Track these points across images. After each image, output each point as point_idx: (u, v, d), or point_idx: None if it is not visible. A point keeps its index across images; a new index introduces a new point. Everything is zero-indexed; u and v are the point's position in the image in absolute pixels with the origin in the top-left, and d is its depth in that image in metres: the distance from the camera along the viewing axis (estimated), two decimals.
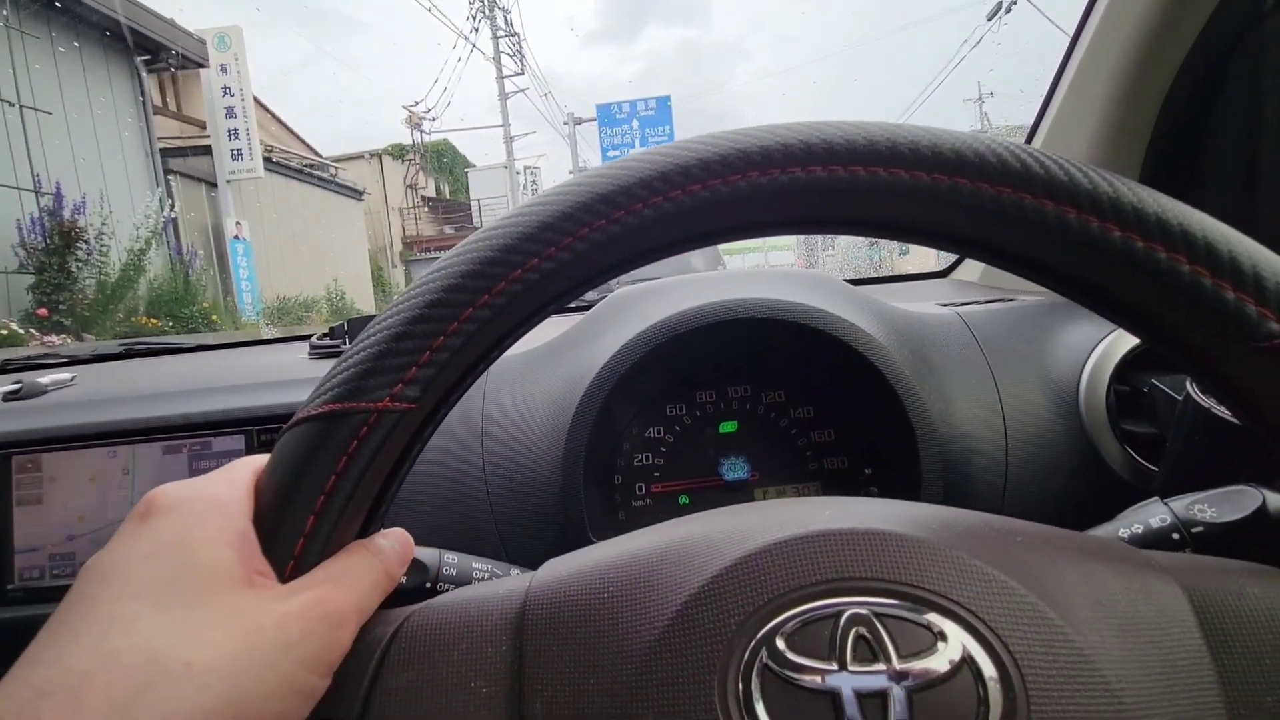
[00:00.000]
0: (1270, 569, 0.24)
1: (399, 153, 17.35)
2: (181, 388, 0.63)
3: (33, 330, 4.82)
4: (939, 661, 0.20)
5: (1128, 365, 0.54)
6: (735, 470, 0.60)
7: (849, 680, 0.20)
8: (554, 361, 0.60)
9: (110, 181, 6.20)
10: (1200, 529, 0.31)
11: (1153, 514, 0.33)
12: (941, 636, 0.21)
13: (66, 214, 5.29)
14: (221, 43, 7.92)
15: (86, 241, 5.33)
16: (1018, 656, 0.20)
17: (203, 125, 8.30)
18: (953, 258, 1.01)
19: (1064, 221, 0.22)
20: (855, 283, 0.73)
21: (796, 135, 0.24)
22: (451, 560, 0.36)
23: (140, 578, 0.21)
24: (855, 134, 0.23)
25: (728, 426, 0.61)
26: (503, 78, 16.08)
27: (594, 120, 16.21)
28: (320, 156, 13.22)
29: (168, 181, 7.39)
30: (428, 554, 0.36)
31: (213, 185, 8.15)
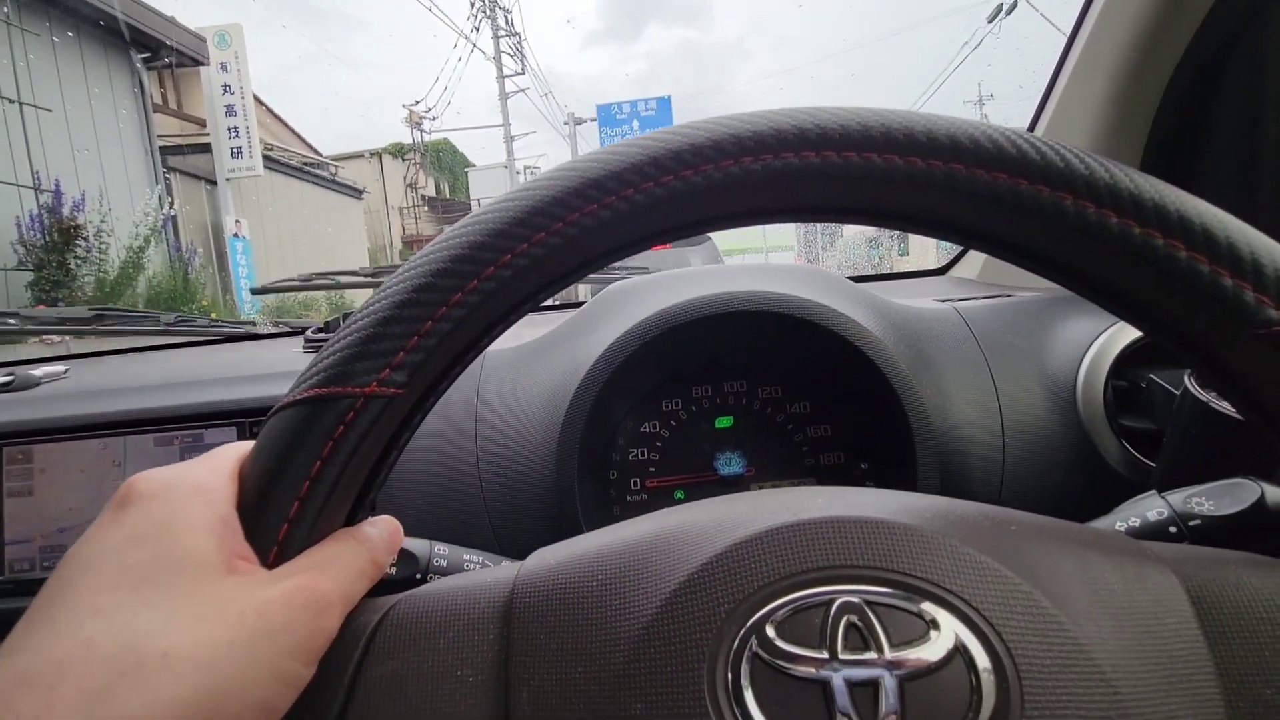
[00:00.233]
0: (1268, 559, 0.24)
1: (399, 152, 17.36)
2: (173, 380, 0.63)
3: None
4: (931, 651, 0.20)
5: (1125, 360, 0.53)
6: (731, 465, 0.60)
7: (840, 669, 0.20)
8: (549, 354, 0.60)
9: (110, 179, 6.20)
10: (1198, 522, 0.31)
11: (1150, 507, 0.33)
12: (934, 625, 0.20)
13: (66, 211, 5.28)
14: (222, 41, 7.91)
15: (86, 239, 5.32)
16: (1011, 646, 0.20)
17: (202, 123, 8.29)
18: (950, 255, 1.00)
19: (1061, 208, 0.22)
20: (854, 280, 0.73)
21: (790, 120, 0.23)
22: (442, 552, 0.36)
23: (119, 565, 0.21)
24: (850, 119, 0.23)
25: (723, 421, 0.61)
26: (503, 77, 16.09)
27: (594, 120, 16.22)
28: (320, 155, 13.22)
29: (167, 179, 7.38)
30: (418, 545, 0.35)
31: (212, 183, 8.14)
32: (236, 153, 8.02)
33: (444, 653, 0.23)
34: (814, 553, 0.22)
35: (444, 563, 0.36)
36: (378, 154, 16.59)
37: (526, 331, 0.64)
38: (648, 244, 0.26)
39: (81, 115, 6.27)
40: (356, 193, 12.67)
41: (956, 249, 0.98)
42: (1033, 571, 0.22)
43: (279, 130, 12.44)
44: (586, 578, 0.24)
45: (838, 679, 0.20)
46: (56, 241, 5.19)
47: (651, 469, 0.60)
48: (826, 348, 0.55)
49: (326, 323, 0.76)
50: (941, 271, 0.99)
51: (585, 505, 0.52)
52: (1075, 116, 0.67)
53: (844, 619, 0.21)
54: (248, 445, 0.25)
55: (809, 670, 0.20)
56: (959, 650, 0.20)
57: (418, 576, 0.35)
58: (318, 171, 11.48)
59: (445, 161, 19.81)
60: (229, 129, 7.98)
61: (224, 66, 7.93)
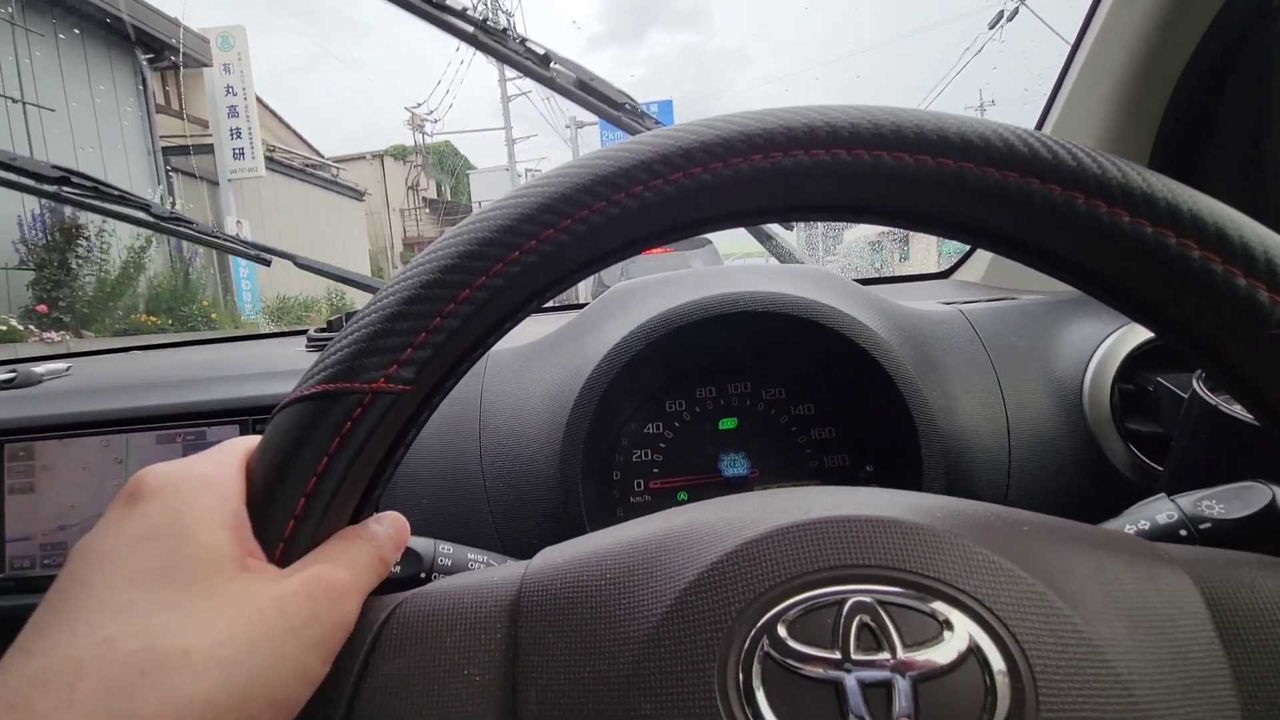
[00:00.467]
0: None
1: (401, 154, 17.39)
2: (176, 378, 0.63)
3: (32, 326, 4.82)
4: (945, 651, 0.20)
5: (1132, 363, 0.53)
6: (735, 467, 0.60)
7: (853, 670, 0.20)
8: (553, 354, 0.59)
9: (112, 179, 6.09)
10: (1208, 525, 0.31)
11: (1160, 510, 0.32)
12: (947, 626, 0.20)
13: (68, 211, 5.29)
14: (225, 42, 7.94)
15: (87, 238, 5.34)
16: (1026, 647, 0.20)
17: (205, 124, 8.31)
18: (952, 260, 1.00)
19: (1072, 207, 0.22)
20: (859, 283, 0.73)
21: (800, 118, 0.23)
22: (447, 551, 0.36)
23: (133, 562, 0.21)
24: (860, 117, 0.23)
25: (728, 423, 0.61)
26: (505, 80, 16.12)
27: (596, 124, 16.26)
28: (322, 157, 13.25)
29: (169, 179, 7.39)
30: (423, 544, 0.35)
31: (214, 184, 8.15)
32: (239, 154, 8.04)
33: (451, 651, 0.23)
34: (826, 552, 0.22)
35: (448, 562, 0.35)
36: (379, 156, 16.62)
37: (531, 331, 0.64)
38: (657, 241, 0.26)
39: (84, 115, 6.29)
40: (358, 194, 12.69)
41: (959, 254, 0.98)
42: (1046, 572, 0.21)
43: (281, 131, 12.46)
44: (595, 576, 0.23)
45: (850, 680, 0.20)
46: (58, 241, 5.21)
47: (655, 470, 0.60)
48: (831, 349, 0.54)
49: (329, 322, 0.76)
50: (945, 275, 0.99)
51: (589, 506, 0.52)
52: (1083, 116, 0.67)
53: (856, 619, 0.20)
54: (254, 440, 0.25)
55: (821, 671, 0.20)
56: (973, 651, 0.20)
57: (422, 576, 0.35)
58: (319, 173, 11.50)
59: (447, 164, 19.85)
60: (231, 130, 8.00)
61: (227, 68, 7.96)
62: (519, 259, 0.23)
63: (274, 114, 12.42)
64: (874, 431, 0.59)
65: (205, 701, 0.19)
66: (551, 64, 0.74)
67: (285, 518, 0.23)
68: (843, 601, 0.21)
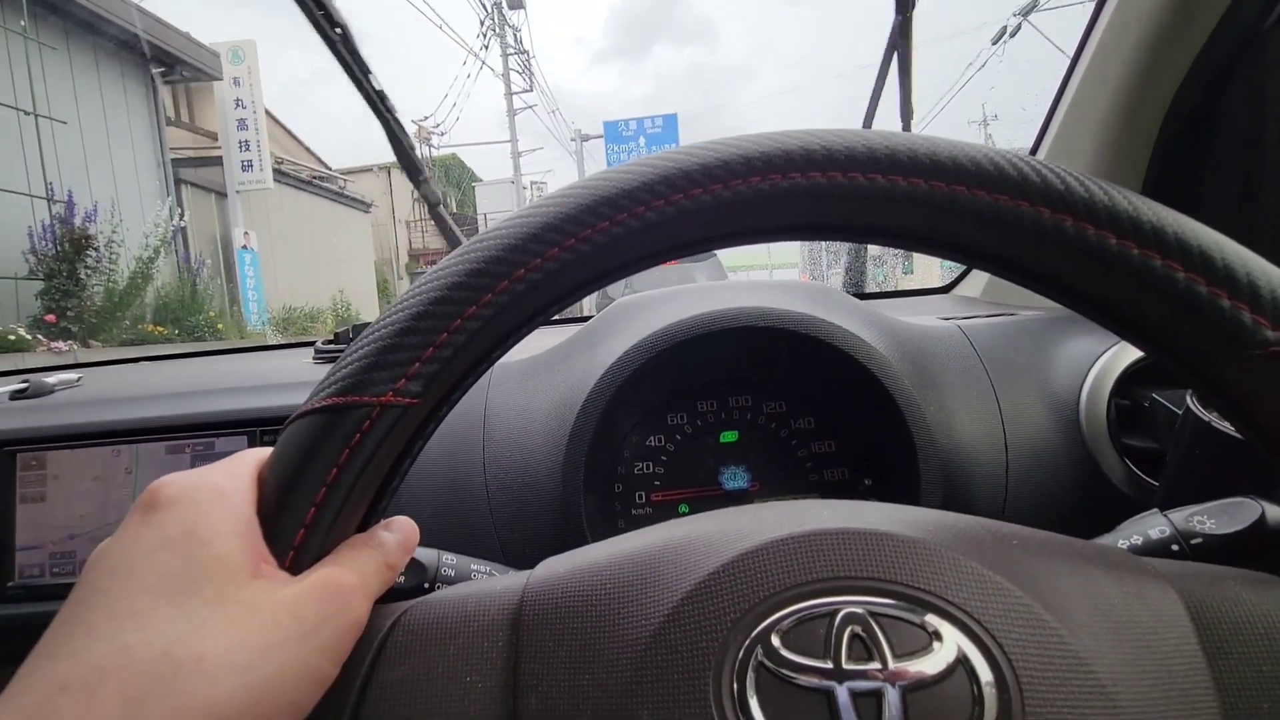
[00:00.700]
0: (1267, 576, 0.24)
1: None
2: (186, 389, 0.64)
3: (40, 336, 4.85)
4: (934, 662, 0.20)
5: (1128, 380, 0.54)
6: (735, 480, 0.60)
7: (844, 679, 0.20)
8: (557, 367, 0.60)
9: (122, 190, 6.28)
10: (1199, 540, 0.31)
11: (1152, 525, 0.33)
12: (937, 637, 0.21)
13: (78, 221, 5.35)
14: (236, 56, 8.04)
15: (96, 249, 5.38)
16: (1013, 658, 0.20)
17: (214, 136, 8.40)
18: (954, 275, 1.01)
19: (1062, 229, 0.22)
20: (859, 297, 0.73)
21: (798, 141, 0.24)
22: (450, 561, 0.36)
23: (150, 571, 0.21)
24: (856, 141, 0.24)
25: (728, 436, 0.62)
26: (511, 94, 16.28)
27: (601, 137, 16.37)
28: (329, 169, 13.35)
29: (178, 191, 7.47)
30: (426, 554, 0.36)
31: (222, 195, 8.23)
32: (247, 166, 8.12)
33: (454, 658, 0.23)
34: (819, 563, 0.22)
35: (451, 572, 0.36)
36: (386, 168, 16.74)
37: (535, 344, 0.64)
38: (659, 260, 0.26)
39: (96, 128, 6.37)
40: (364, 206, 12.78)
41: (960, 268, 0.98)
42: (1034, 585, 0.22)
43: (289, 144, 12.58)
44: (595, 586, 0.24)
45: (842, 690, 0.20)
46: (67, 251, 5.25)
47: (656, 483, 0.60)
48: (831, 363, 0.55)
49: (336, 334, 0.77)
50: (945, 290, 0.99)
51: (590, 519, 0.53)
52: (1077, 140, 0.68)
53: (848, 629, 0.21)
54: (266, 451, 0.26)
55: (814, 680, 0.20)
56: (961, 662, 0.20)
57: (425, 586, 0.35)
58: (326, 185, 11.59)
59: (453, 176, 19.98)
60: (240, 142, 8.08)
61: (237, 81, 8.06)
62: (524, 277, 0.24)
63: (283, 127, 12.54)
64: (873, 446, 0.60)
65: (219, 706, 0.19)
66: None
67: (296, 526, 0.24)
68: (835, 612, 0.21)
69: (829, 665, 0.20)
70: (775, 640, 0.21)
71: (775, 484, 0.61)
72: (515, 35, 16.24)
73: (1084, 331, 0.59)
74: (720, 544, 0.24)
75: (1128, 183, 0.63)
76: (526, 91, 16.83)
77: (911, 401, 0.53)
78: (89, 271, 5.33)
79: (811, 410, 0.62)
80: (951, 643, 0.21)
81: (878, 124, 0.72)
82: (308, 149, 13.58)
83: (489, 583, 0.26)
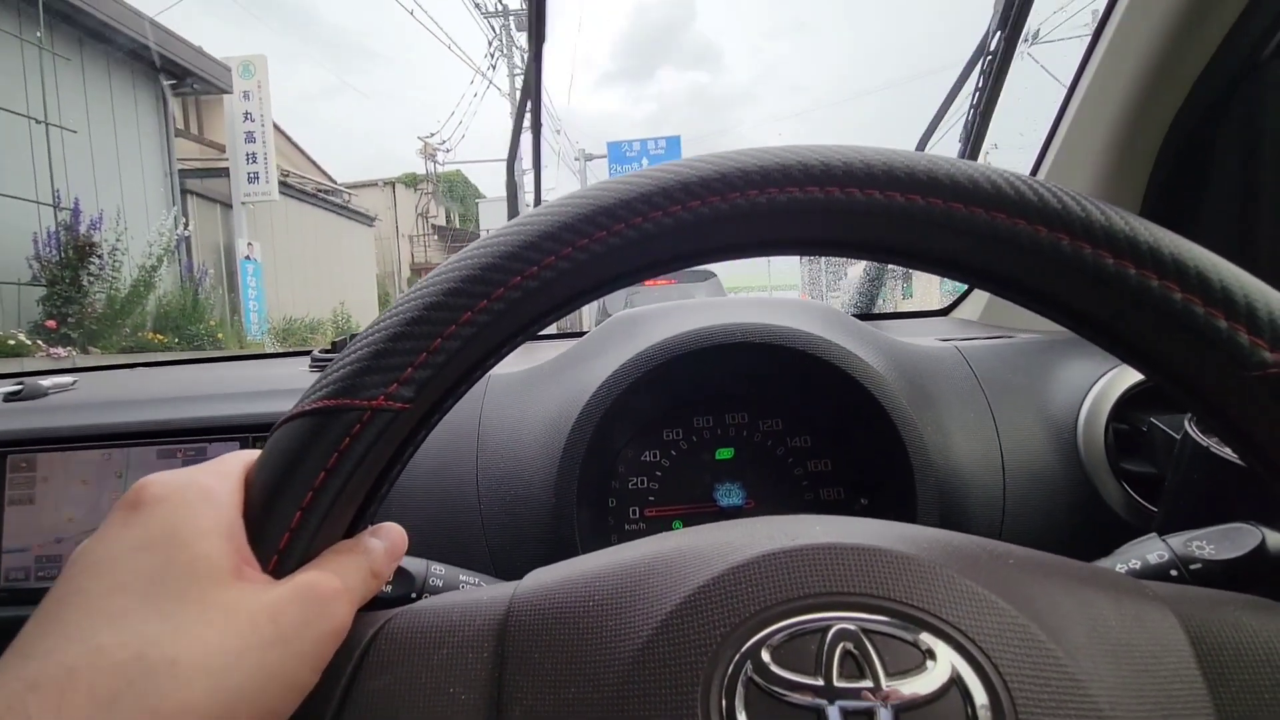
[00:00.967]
0: (1267, 601, 0.23)
1: (412, 181, 17.68)
2: (180, 394, 0.63)
3: (40, 341, 4.85)
4: (927, 682, 0.20)
5: (1126, 404, 0.53)
6: (730, 497, 0.60)
7: (835, 698, 0.20)
8: (553, 380, 0.60)
9: (128, 199, 6.32)
10: (1198, 566, 0.31)
11: (1150, 550, 0.32)
12: (930, 656, 0.20)
13: (83, 229, 5.38)
14: (246, 71, 8.15)
15: (100, 256, 5.40)
16: (1008, 679, 0.20)
17: (222, 148, 8.49)
18: (954, 297, 1.01)
19: (1058, 248, 0.22)
20: (858, 318, 0.74)
21: (797, 157, 0.24)
22: (439, 571, 0.36)
23: (129, 570, 0.21)
24: (855, 157, 0.24)
25: (724, 453, 0.61)
26: (517, 113, 16.44)
27: (605, 157, 16.54)
28: (335, 182, 13.47)
29: (184, 201, 7.52)
30: (414, 564, 0.35)
31: (228, 206, 8.29)
32: (253, 178, 8.18)
33: (437, 669, 0.23)
34: (811, 579, 0.22)
35: (440, 583, 0.35)
36: (391, 183, 16.89)
37: (532, 356, 0.64)
38: (654, 271, 0.26)
39: (105, 137, 6.44)
40: (368, 220, 12.87)
41: (959, 291, 0.99)
42: (1030, 605, 0.22)
43: (296, 157, 12.70)
44: (583, 598, 0.24)
45: (833, 708, 0.20)
46: (71, 258, 5.27)
47: (651, 498, 0.60)
48: (828, 382, 0.55)
49: (334, 343, 0.77)
50: (944, 312, 1.00)
51: (583, 532, 0.52)
52: (1075, 164, 0.69)
53: (840, 646, 0.21)
54: (254, 454, 0.26)
55: (804, 698, 0.20)
56: (955, 682, 0.20)
57: (413, 596, 0.35)
58: (331, 198, 11.68)
59: (457, 192, 20.15)
60: (248, 155, 8.16)
61: (247, 95, 8.15)
62: (520, 284, 0.24)
63: (290, 140, 12.68)
64: (870, 465, 0.59)
65: (192, 710, 0.19)
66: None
67: (281, 530, 0.23)
68: (827, 629, 0.21)
69: (820, 683, 0.20)
70: (766, 656, 0.21)
71: (770, 502, 0.60)
72: (522, 56, 16.47)
73: (1082, 354, 0.59)
74: (711, 557, 0.23)
75: (1126, 204, 0.63)
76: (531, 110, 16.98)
77: (909, 421, 0.53)
78: (92, 278, 5.35)
79: (808, 428, 0.62)
80: (946, 662, 0.20)
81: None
82: (314, 163, 13.71)
83: (475, 593, 0.26)
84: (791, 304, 0.64)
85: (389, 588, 0.34)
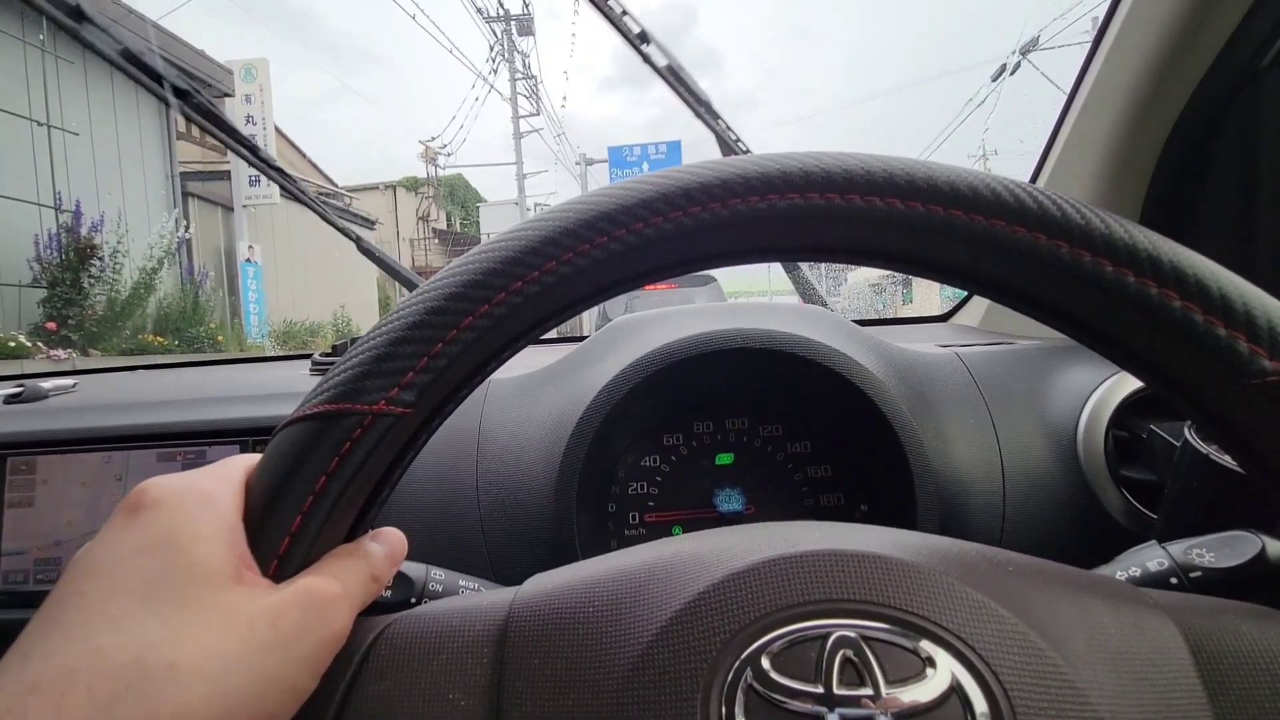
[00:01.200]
0: (1267, 610, 0.23)
1: (413, 185, 17.72)
2: (180, 397, 0.63)
3: (39, 343, 4.86)
4: (927, 689, 0.20)
5: (1126, 410, 0.54)
6: (730, 502, 0.60)
7: (835, 705, 0.20)
8: (553, 384, 0.60)
9: (129, 201, 6.33)
10: (1198, 574, 0.31)
11: (1150, 557, 0.32)
12: (930, 663, 0.20)
13: (84, 231, 5.39)
14: (248, 74, 8.18)
15: (101, 259, 5.41)
16: (1008, 687, 0.20)
17: (223, 151, 8.48)
18: (954, 303, 1.01)
19: (1057, 256, 0.22)
20: (858, 324, 0.74)
21: (798, 163, 0.24)
22: (438, 576, 0.36)
23: (130, 573, 0.21)
24: (855, 165, 0.24)
25: (724, 458, 0.61)
26: (518, 118, 16.51)
27: (605, 162, 16.58)
28: (336, 186, 13.49)
29: (185, 204, 7.54)
30: (414, 569, 0.35)
31: (229, 209, 8.31)
32: (254, 181, 8.20)
33: (436, 675, 0.23)
34: (811, 586, 0.22)
35: (439, 587, 0.35)
36: (392, 187, 16.93)
37: (532, 361, 0.64)
38: (655, 276, 0.26)
39: (107, 139, 6.45)
40: (369, 223, 12.87)
41: (959, 297, 0.99)
42: (1030, 613, 0.22)
43: (298, 161, 12.73)
44: (582, 604, 0.24)
45: (833, 716, 0.20)
46: (72, 260, 5.28)
47: (651, 503, 0.60)
48: (828, 388, 0.55)
49: (334, 346, 0.77)
50: (944, 318, 1.00)
51: (583, 537, 0.52)
52: (1075, 172, 0.69)
53: (840, 653, 0.21)
54: (255, 458, 0.26)
55: (804, 705, 0.20)
56: (955, 690, 0.20)
57: (412, 601, 0.34)
58: (333, 201, 11.69)
59: (458, 196, 20.20)
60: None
61: (249, 98, 8.18)
62: (521, 289, 0.24)
63: (292, 144, 12.71)
64: (869, 471, 0.59)
65: (189, 714, 0.19)
66: (649, 44, 0.78)
67: (281, 534, 0.23)
68: (827, 636, 0.21)
69: (820, 690, 0.20)
70: (765, 663, 0.21)
71: (770, 507, 0.60)
72: (524, 60, 16.54)
73: (1082, 361, 0.59)
74: (710, 563, 0.23)
75: (1125, 212, 0.63)
76: (533, 115, 17.10)
77: (908, 427, 0.53)
78: (92, 281, 5.36)
79: (808, 434, 0.62)
80: (945, 670, 0.20)
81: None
82: (315, 166, 13.74)
83: (475, 598, 0.26)
84: (792, 309, 0.64)
85: (388, 592, 0.33)
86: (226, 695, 0.20)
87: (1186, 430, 0.42)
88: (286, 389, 0.64)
